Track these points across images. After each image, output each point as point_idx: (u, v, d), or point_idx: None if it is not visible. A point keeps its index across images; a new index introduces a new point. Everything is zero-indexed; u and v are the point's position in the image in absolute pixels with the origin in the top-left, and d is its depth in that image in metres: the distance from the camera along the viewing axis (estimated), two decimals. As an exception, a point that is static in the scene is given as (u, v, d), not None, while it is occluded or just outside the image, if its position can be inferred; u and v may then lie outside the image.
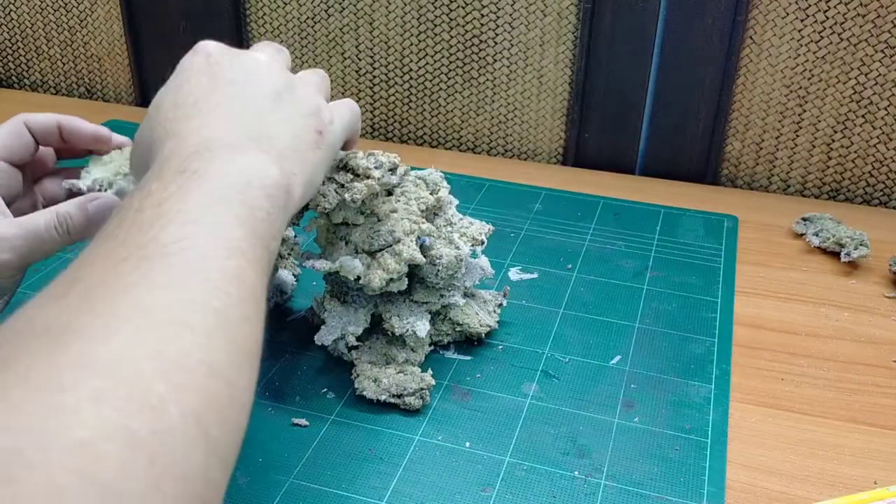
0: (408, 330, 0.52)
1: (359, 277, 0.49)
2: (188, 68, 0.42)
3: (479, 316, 0.56)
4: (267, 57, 0.45)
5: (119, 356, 0.25)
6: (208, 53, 0.43)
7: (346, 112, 0.47)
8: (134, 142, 0.43)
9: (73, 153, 0.55)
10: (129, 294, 0.28)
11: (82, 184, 0.49)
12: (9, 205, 0.50)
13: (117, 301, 0.27)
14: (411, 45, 0.86)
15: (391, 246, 0.49)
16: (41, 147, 0.53)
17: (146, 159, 0.39)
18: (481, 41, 0.83)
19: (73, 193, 0.50)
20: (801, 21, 0.74)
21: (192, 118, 0.39)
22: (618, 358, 0.56)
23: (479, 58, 0.84)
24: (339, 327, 0.52)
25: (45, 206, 0.55)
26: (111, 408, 0.24)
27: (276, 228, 0.36)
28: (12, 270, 0.46)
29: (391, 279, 0.49)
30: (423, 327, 0.52)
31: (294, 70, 0.47)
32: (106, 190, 0.49)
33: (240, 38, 0.90)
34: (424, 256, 0.50)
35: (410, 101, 0.89)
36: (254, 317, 0.31)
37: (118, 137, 0.54)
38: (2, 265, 0.46)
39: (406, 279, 0.50)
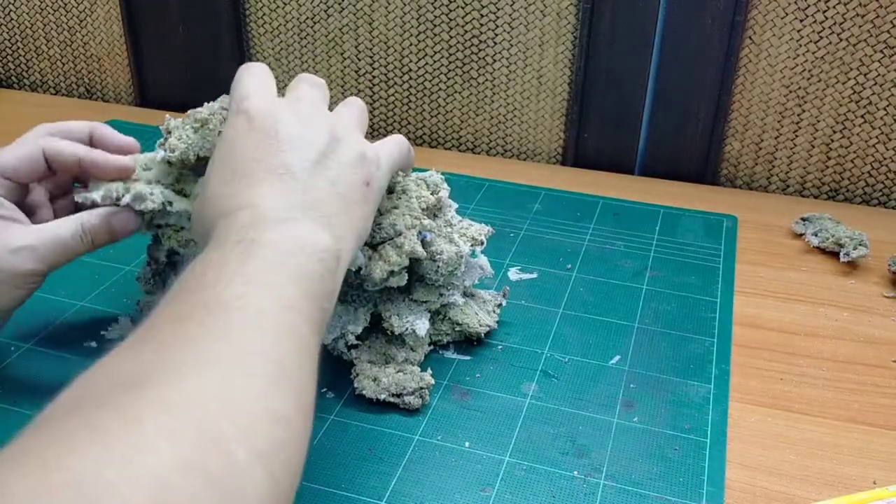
0: (407, 329, 0.52)
1: (360, 269, 0.49)
2: (232, 135, 0.42)
3: (478, 316, 0.56)
4: (307, 106, 0.44)
5: (188, 399, 0.28)
6: (249, 116, 0.42)
7: (393, 151, 0.47)
8: (193, 214, 0.45)
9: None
10: (195, 346, 0.31)
11: (96, 195, 0.49)
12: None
13: (185, 352, 0.30)
14: (411, 45, 0.86)
15: (392, 239, 0.49)
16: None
17: (206, 232, 0.40)
18: (481, 41, 0.83)
19: (84, 206, 0.49)
20: (801, 21, 0.75)
21: (242, 194, 0.40)
22: (617, 358, 0.56)
23: (479, 58, 0.84)
24: (339, 326, 0.52)
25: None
26: (184, 444, 0.26)
27: (330, 290, 0.39)
28: (37, 277, 0.48)
29: (392, 272, 0.49)
30: (422, 326, 0.52)
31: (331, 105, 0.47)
32: (123, 195, 0.49)
33: (239, 37, 0.91)
34: (425, 251, 0.50)
35: (410, 101, 0.89)
36: (307, 368, 0.34)
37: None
38: (28, 273, 0.47)
39: (406, 274, 0.50)
